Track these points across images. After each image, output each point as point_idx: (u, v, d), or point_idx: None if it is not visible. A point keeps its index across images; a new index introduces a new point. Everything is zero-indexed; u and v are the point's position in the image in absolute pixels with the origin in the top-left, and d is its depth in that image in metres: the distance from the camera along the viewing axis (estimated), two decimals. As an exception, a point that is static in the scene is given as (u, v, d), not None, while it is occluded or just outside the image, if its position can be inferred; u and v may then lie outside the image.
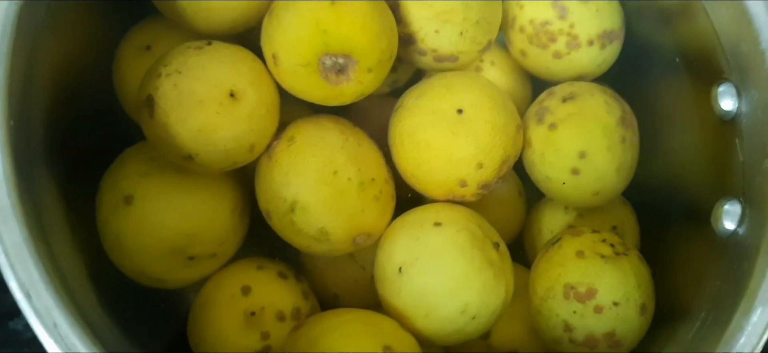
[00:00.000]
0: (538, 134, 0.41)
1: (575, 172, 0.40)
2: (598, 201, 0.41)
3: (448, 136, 0.38)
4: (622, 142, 0.39)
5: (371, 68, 0.37)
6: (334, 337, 0.34)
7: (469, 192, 0.39)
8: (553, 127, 0.40)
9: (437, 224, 0.37)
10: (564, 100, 0.40)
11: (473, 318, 0.36)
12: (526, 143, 0.41)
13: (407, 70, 0.46)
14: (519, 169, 0.44)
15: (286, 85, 0.38)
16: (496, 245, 0.38)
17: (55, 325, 0.29)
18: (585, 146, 0.39)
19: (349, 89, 0.37)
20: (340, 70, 0.37)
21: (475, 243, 0.37)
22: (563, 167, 0.40)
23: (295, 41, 0.36)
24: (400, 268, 0.37)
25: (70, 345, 0.29)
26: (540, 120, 0.41)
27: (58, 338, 0.28)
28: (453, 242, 0.36)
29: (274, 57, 0.37)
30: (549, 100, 0.41)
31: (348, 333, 0.34)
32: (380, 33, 0.37)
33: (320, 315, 0.36)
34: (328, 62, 0.36)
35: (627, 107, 0.41)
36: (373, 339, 0.34)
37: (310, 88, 0.38)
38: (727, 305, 0.34)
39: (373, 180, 0.39)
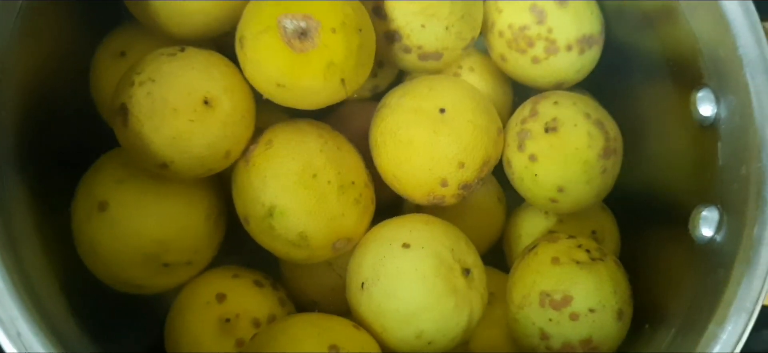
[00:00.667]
0: (518, 160, 0.41)
1: (553, 200, 0.40)
2: (577, 212, 0.42)
3: (430, 134, 0.38)
4: (603, 173, 0.39)
5: (335, 29, 0.36)
6: (280, 340, 0.34)
7: (450, 193, 0.39)
8: (533, 158, 0.40)
9: (405, 246, 0.37)
10: (547, 130, 0.39)
11: (429, 343, 0.36)
12: (506, 161, 0.41)
13: (388, 75, 0.46)
14: (498, 175, 0.44)
15: (253, 66, 0.37)
16: (467, 271, 0.38)
17: (19, 335, 0.28)
18: (563, 182, 0.39)
19: (317, 56, 0.36)
20: (303, 34, 0.36)
21: (440, 271, 0.36)
22: (542, 196, 0.41)
23: (254, 9, 0.36)
24: (362, 284, 0.37)
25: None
26: (520, 146, 0.40)
27: (21, 346, 0.28)
28: (416, 268, 0.36)
29: (240, 40, 0.37)
30: (532, 122, 0.40)
31: (294, 335, 0.35)
32: None
33: (276, 322, 0.36)
34: (290, 26, 0.35)
35: (612, 130, 0.40)
36: (319, 339, 0.34)
37: (275, 59, 0.36)
38: (703, 313, 0.33)
39: (353, 183, 0.38)
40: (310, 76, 0.36)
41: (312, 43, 0.36)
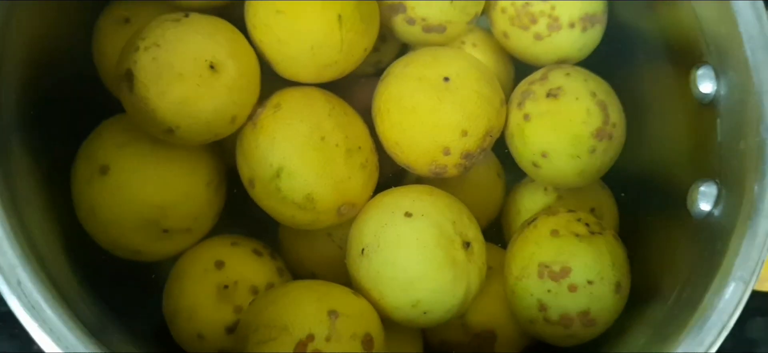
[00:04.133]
0: (514, 116, 0.41)
1: (535, 165, 0.41)
2: (563, 186, 0.43)
3: (434, 101, 0.38)
4: (591, 152, 0.39)
5: None
6: (280, 304, 0.35)
7: (452, 162, 0.39)
8: (527, 117, 0.40)
9: (408, 214, 0.37)
10: (548, 95, 0.40)
11: (424, 312, 0.37)
12: (507, 117, 0.42)
13: (390, 50, 0.46)
14: (498, 151, 0.44)
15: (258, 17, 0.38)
16: (467, 244, 0.38)
17: (19, 283, 0.28)
18: (548, 148, 0.40)
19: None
20: None
21: (441, 242, 0.36)
22: (526, 157, 0.41)
23: None
24: (363, 250, 0.37)
25: (33, 302, 0.28)
26: (520, 104, 0.41)
27: (21, 295, 0.28)
28: (416, 237, 0.36)
29: None
30: (538, 85, 0.41)
31: (293, 299, 0.35)
32: None
33: (275, 287, 0.36)
34: None
35: (614, 115, 0.40)
36: (318, 304, 0.35)
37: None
38: (700, 284, 0.33)
39: (359, 148, 0.39)
40: (306, 22, 0.37)
41: None
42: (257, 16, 0.38)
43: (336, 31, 0.38)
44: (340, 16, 0.37)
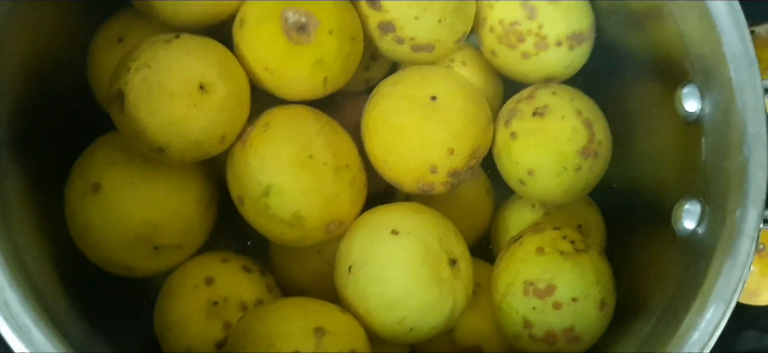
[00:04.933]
0: (500, 135, 0.42)
1: (522, 182, 0.41)
2: (550, 203, 0.43)
3: (421, 120, 0.39)
4: (576, 170, 0.40)
5: (332, 30, 0.38)
6: (268, 321, 0.35)
7: (439, 180, 0.40)
8: (513, 136, 0.41)
9: (394, 232, 0.37)
10: (534, 113, 0.40)
11: (411, 329, 0.37)
12: (495, 135, 0.42)
13: (380, 68, 0.47)
14: (487, 169, 0.45)
15: (248, 46, 0.39)
16: (453, 262, 0.38)
17: (6, 304, 0.29)
18: (534, 166, 0.40)
19: (308, 51, 0.38)
20: (302, 28, 0.38)
21: (427, 259, 0.37)
22: (513, 175, 0.42)
23: None
24: (350, 267, 0.38)
25: (20, 324, 0.29)
26: (507, 122, 0.41)
27: (9, 316, 0.29)
28: (402, 255, 0.37)
29: (241, 20, 0.38)
30: (524, 104, 0.41)
31: (281, 316, 0.35)
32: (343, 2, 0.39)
33: (263, 304, 0.37)
34: (291, 18, 0.38)
35: (599, 133, 0.40)
36: (305, 320, 0.35)
37: (271, 45, 0.38)
38: (683, 302, 0.34)
39: (347, 166, 0.39)
40: (298, 67, 0.39)
41: (308, 38, 0.38)
42: (246, 63, 0.39)
43: (319, 88, 0.40)
44: (325, 79, 0.39)
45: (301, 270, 0.43)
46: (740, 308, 0.33)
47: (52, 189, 0.39)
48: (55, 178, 0.40)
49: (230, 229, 0.43)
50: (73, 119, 0.43)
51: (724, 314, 0.32)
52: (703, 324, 0.32)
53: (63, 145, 0.40)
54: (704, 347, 0.32)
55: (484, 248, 0.46)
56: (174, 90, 0.36)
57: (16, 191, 0.35)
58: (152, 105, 0.36)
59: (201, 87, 0.37)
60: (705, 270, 0.34)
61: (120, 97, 0.36)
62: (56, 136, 0.41)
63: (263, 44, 0.38)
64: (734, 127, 0.35)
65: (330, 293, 0.41)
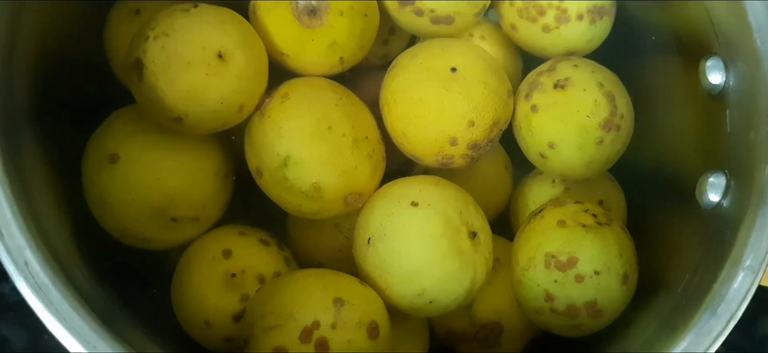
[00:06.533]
0: (521, 108, 0.41)
1: (542, 156, 0.41)
2: (571, 178, 0.43)
3: (441, 92, 0.38)
4: (598, 143, 0.39)
5: (343, 12, 0.38)
6: (286, 292, 0.35)
7: (459, 153, 0.39)
8: (534, 109, 0.40)
9: (414, 204, 0.37)
10: (555, 86, 0.40)
11: (430, 302, 0.37)
12: (514, 109, 0.42)
13: (399, 43, 0.46)
14: (506, 144, 0.44)
15: (262, 33, 0.39)
16: (473, 234, 0.38)
17: (27, 264, 0.29)
18: (555, 139, 0.40)
19: (321, 34, 0.38)
20: (313, 12, 0.38)
21: (446, 231, 0.36)
22: (533, 148, 0.41)
23: None
24: (369, 239, 0.37)
25: (40, 284, 0.29)
26: (527, 96, 0.41)
27: (29, 276, 0.28)
28: (422, 227, 0.36)
29: (253, 7, 0.38)
30: (545, 76, 0.41)
31: (299, 287, 0.35)
32: None
33: (282, 275, 0.36)
34: (302, 2, 0.38)
35: (622, 107, 0.40)
36: (325, 291, 0.35)
37: (283, 30, 0.38)
38: (708, 274, 0.33)
39: (366, 138, 0.39)
40: (312, 51, 0.39)
41: (319, 21, 0.38)
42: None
43: (337, 67, 0.40)
44: (341, 59, 0.40)
45: (318, 245, 0.42)
46: (759, 293, 0.33)
47: (71, 163, 0.39)
48: (73, 152, 0.40)
49: (248, 204, 0.42)
50: (90, 93, 0.43)
51: (752, 284, 0.32)
52: (729, 294, 0.32)
53: (81, 118, 0.40)
54: (731, 317, 0.32)
55: (503, 225, 0.46)
56: (192, 58, 0.36)
57: (35, 164, 0.35)
58: (170, 73, 0.36)
59: (219, 55, 0.36)
60: (731, 240, 0.33)
61: (138, 66, 0.36)
62: (74, 111, 0.41)
63: (276, 30, 0.39)
64: (761, 98, 0.34)
65: (347, 268, 0.40)
